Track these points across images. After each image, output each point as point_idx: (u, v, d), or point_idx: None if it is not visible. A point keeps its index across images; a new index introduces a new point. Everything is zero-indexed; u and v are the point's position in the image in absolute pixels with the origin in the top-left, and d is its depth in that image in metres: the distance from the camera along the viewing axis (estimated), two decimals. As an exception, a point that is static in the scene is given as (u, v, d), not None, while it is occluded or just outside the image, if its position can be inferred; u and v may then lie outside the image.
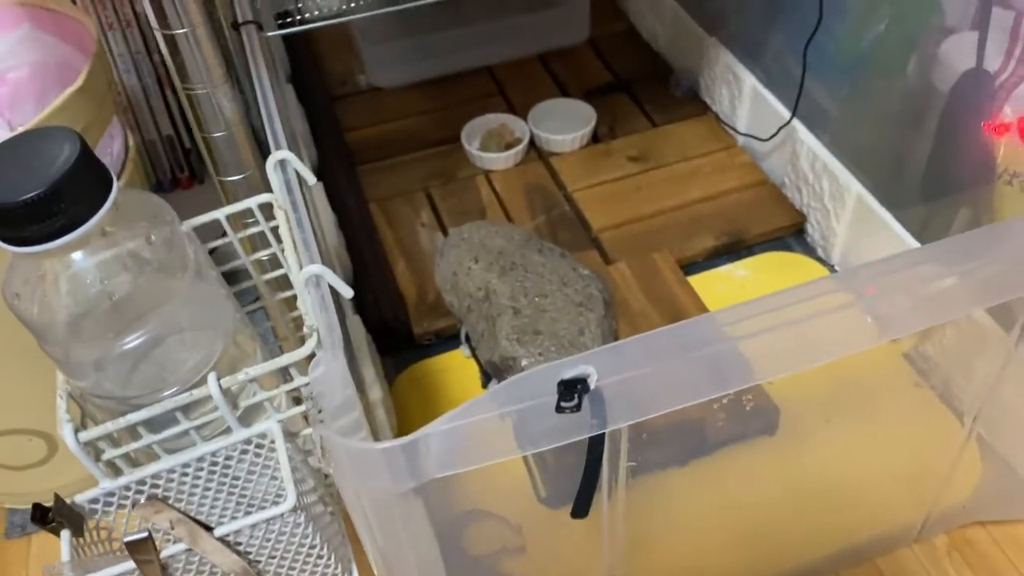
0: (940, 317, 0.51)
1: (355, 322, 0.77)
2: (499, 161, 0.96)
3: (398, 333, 0.82)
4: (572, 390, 0.35)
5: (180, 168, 1.04)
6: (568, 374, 0.36)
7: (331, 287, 0.45)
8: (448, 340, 0.82)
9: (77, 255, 0.40)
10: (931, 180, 0.74)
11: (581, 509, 0.38)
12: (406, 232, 0.91)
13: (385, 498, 0.41)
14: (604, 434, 0.38)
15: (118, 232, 0.41)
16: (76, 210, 0.38)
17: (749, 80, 0.94)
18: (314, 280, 0.43)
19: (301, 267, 0.46)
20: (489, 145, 0.97)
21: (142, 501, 0.39)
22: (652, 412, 0.39)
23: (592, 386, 0.36)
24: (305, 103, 1.05)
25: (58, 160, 0.38)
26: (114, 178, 0.40)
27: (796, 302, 0.42)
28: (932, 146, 0.73)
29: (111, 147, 0.71)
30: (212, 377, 0.43)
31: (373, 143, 1.02)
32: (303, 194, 0.50)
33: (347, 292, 0.44)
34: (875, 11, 0.77)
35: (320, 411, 0.37)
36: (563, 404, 0.35)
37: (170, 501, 0.47)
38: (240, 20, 0.60)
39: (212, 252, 0.55)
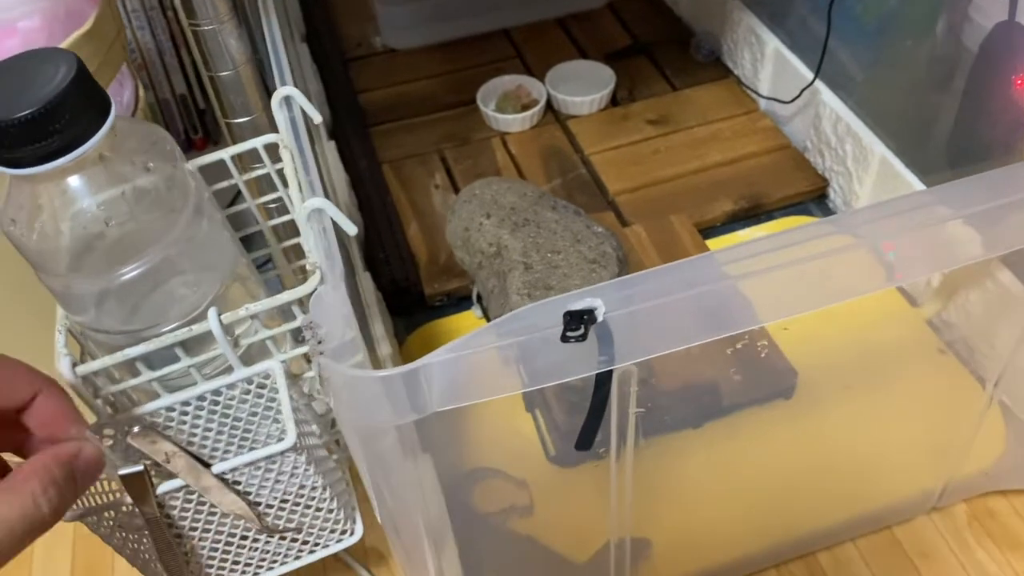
0: (950, 262, 0.49)
1: (366, 279, 0.76)
2: (515, 123, 0.95)
3: (409, 293, 0.81)
4: (579, 321, 0.34)
5: (194, 129, 1.03)
6: (575, 305, 0.35)
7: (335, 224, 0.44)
8: (460, 301, 0.81)
9: (73, 180, 0.39)
10: (958, 140, 0.72)
11: (585, 441, 0.37)
12: (419, 194, 0.90)
13: (384, 435, 0.40)
14: (612, 371, 0.37)
15: (116, 159, 0.40)
16: (72, 132, 0.37)
17: (772, 42, 0.92)
18: (316, 215, 0.42)
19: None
20: (505, 107, 0.96)
21: (135, 431, 0.38)
22: (664, 349, 0.37)
23: (600, 318, 0.35)
24: (319, 64, 1.04)
25: (54, 80, 0.37)
26: (112, 102, 0.39)
27: (803, 241, 0.41)
28: (960, 105, 0.71)
29: (121, 95, 0.70)
30: (212, 311, 0.42)
31: (387, 105, 1.01)
32: (309, 133, 0.49)
33: (351, 228, 0.43)
34: (904, -33, 0.75)
35: (320, 342, 0.36)
36: (568, 334, 0.33)
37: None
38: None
39: (230, 206, 0.54)
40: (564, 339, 0.33)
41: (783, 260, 0.40)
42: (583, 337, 0.33)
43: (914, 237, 0.42)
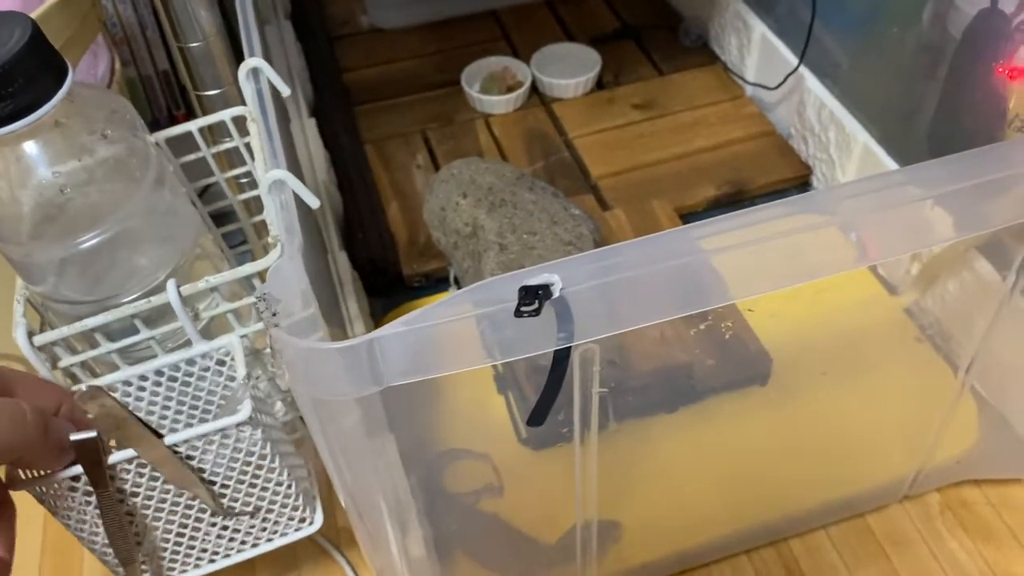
0: (922, 243, 0.48)
1: (342, 258, 0.76)
2: (499, 104, 0.94)
3: (387, 274, 0.80)
4: (533, 295, 0.33)
5: (176, 105, 1.02)
6: (531, 281, 0.34)
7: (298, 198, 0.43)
8: (438, 282, 0.81)
9: (29, 146, 0.38)
10: (940, 128, 0.72)
11: (537, 418, 0.36)
12: (401, 174, 0.89)
13: (347, 413, 0.39)
14: (569, 348, 0.36)
15: (73, 126, 0.39)
16: (26, 97, 0.37)
17: (759, 28, 0.91)
18: (277, 186, 0.42)
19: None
20: (490, 88, 0.95)
21: (83, 389, 0.37)
22: (626, 326, 0.37)
23: (555, 294, 0.34)
24: (304, 42, 1.03)
25: (7, 44, 0.36)
26: (69, 68, 0.39)
27: (774, 218, 0.40)
28: (941, 93, 0.70)
29: (96, 68, 0.70)
30: (171, 283, 0.42)
31: (372, 84, 1.00)
32: (283, 106, 0.48)
33: (312, 201, 0.42)
34: (891, -46, 0.74)
35: (275, 314, 0.36)
36: (522, 308, 0.33)
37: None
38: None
39: (205, 190, 0.54)
40: (518, 314, 0.33)
41: (752, 237, 0.40)
42: (536, 312, 0.33)
43: (886, 217, 0.42)
